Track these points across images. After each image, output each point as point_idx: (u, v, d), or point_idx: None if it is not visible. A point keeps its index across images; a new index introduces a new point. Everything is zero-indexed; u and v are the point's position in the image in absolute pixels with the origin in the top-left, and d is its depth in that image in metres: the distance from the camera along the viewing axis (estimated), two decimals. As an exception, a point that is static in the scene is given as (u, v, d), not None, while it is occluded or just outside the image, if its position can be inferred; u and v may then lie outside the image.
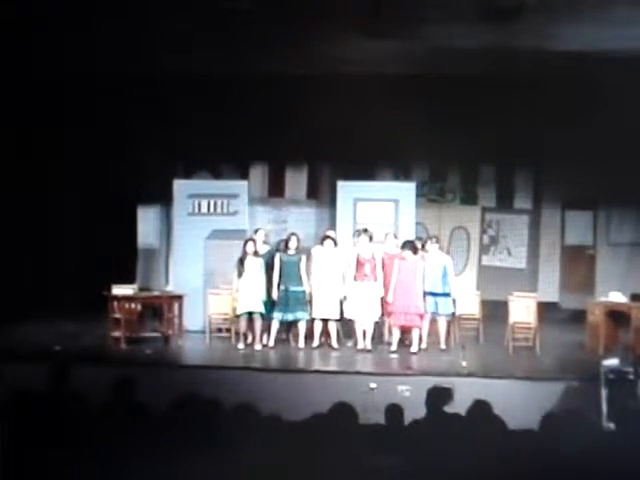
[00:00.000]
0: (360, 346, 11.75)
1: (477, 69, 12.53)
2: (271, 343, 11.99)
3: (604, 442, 5.36)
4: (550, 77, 12.78)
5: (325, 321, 12.01)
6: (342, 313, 11.93)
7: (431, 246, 11.99)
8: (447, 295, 11.83)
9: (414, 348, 11.59)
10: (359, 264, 11.72)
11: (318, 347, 11.96)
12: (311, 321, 12.03)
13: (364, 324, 11.76)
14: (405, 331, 11.84)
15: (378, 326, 12.04)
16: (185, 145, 14.34)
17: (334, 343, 11.98)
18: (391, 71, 12.71)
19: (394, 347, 11.64)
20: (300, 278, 12.01)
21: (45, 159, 13.93)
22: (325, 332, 12.06)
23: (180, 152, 14.50)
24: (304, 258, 12.08)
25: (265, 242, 12.31)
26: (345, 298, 11.92)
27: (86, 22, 10.39)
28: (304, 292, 11.97)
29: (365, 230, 12.01)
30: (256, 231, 12.46)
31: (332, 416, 5.55)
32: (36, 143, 13.79)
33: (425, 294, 11.67)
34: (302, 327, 12.05)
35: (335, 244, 12.11)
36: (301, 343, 12.03)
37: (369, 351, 11.66)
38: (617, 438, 5.82)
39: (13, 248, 13.64)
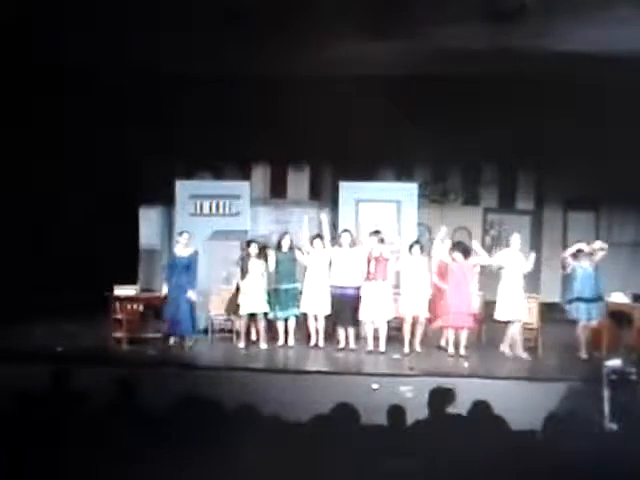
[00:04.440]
0: (369, 347, 11.77)
1: (478, 69, 12.51)
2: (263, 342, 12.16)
3: (606, 443, 5.36)
4: (551, 77, 12.77)
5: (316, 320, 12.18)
6: (353, 313, 11.96)
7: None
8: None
9: (462, 350, 11.61)
10: (368, 263, 11.76)
11: (321, 348, 12.05)
12: (304, 320, 12.19)
13: (375, 324, 11.79)
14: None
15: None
16: (187, 145, 14.34)
17: (320, 342, 12.11)
18: (393, 72, 12.69)
19: (451, 350, 11.63)
20: (294, 276, 12.19)
21: (47, 159, 13.92)
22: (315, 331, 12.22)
23: (182, 152, 14.49)
24: (300, 256, 12.18)
25: (187, 246, 12.18)
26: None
27: (87, 21, 10.39)
28: (296, 289, 12.14)
29: (377, 232, 12.05)
30: (180, 234, 12.31)
31: (334, 417, 5.55)
32: (39, 143, 13.80)
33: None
34: (292, 324, 12.24)
35: (323, 245, 12.18)
36: (291, 341, 12.19)
37: (382, 353, 11.68)
38: (619, 439, 5.82)
39: (15, 249, 13.65)
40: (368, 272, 11.75)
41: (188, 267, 11.96)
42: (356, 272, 11.91)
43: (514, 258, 11.65)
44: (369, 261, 11.74)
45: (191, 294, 11.88)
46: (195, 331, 12.14)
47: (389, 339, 11.90)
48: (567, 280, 11.75)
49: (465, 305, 11.61)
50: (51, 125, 13.83)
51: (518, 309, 11.51)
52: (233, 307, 12.28)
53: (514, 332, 11.55)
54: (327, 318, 12.17)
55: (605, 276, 13.03)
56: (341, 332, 12.02)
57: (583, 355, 11.35)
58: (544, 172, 14.67)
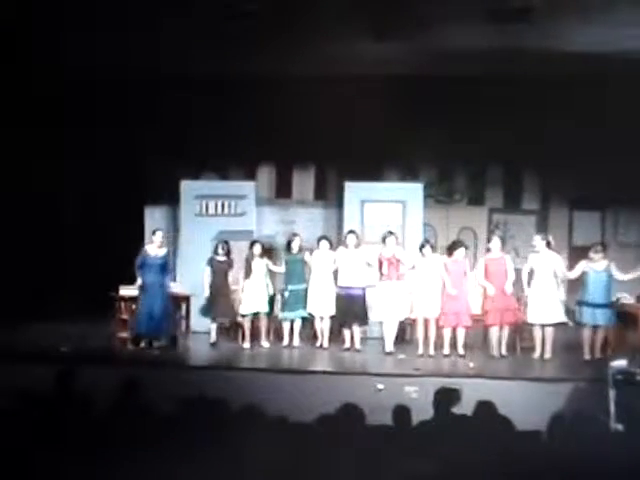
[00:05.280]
0: (388, 349, 11.78)
1: (484, 70, 12.51)
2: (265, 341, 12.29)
3: (612, 443, 5.34)
4: (557, 77, 12.75)
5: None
6: (360, 314, 11.97)
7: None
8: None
9: (461, 350, 11.65)
10: (380, 264, 11.76)
11: (326, 348, 12.06)
12: (312, 321, 12.24)
13: (388, 324, 11.79)
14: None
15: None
16: (192, 146, 14.34)
17: (325, 343, 12.14)
18: (398, 72, 12.68)
19: (447, 351, 11.66)
20: (302, 277, 12.23)
21: (53, 159, 13.94)
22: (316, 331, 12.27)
23: (187, 153, 14.49)
24: (308, 257, 12.22)
25: (161, 246, 12.18)
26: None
27: (89, 21, 10.39)
28: (304, 290, 12.13)
29: (391, 232, 12.06)
30: (154, 232, 12.32)
31: (339, 417, 5.55)
32: (49, 143, 13.82)
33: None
34: (297, 325, 12.31)
35: (331, 245, 12.24)
36: (296, 341, 12.26)
37: (389, 354, 11.70)
38: (625, 439, 5.80)
39: (20, 249, 13.65)
40: (381, 273, 11.75)
41: (163, 267, 11.93)
42: (362, 273, 11.92)
43: (543, 260, 11.62)
44: (381, 262, 11.74)
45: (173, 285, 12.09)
46: (170, 332, 12.10)
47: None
48: (580, 282, 11.69)
49: (464, 305, 11.61)
50: (56, 125, 13.85)
51: (551, 312, 11.48)
52: (229, 311, 12.30)
53: (546, 336, 11.53)
54: (332, 319, 12.19)
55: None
56: (346, 333, 12.02)
57: (586, 356, 11.35)
58: (549, 172, 14.62)
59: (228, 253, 12.37)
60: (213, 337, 12.28)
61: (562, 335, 11.89)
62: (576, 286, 11.91)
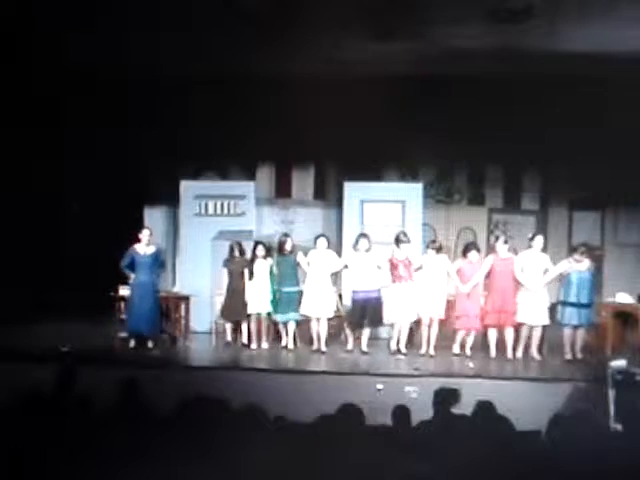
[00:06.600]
0: (394, 348, 11.78)
1: (484, 70, 12.51)
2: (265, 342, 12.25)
3: (611, 443, 5.34)
4: (558, 77, 12.75)
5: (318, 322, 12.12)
6: (376, 316, 11.94)
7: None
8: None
9: (467, 351, 11.69)
10: (393, 266, 11.73)
11: (324, 351, 12.02)
12: (307, 322, 12.16)
13: (401, 326, 11.80)
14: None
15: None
16: (192, 146, 14.34)
17: (322, 346, 12.01)
18: (398, 72, 12.68)
19: (468, 352, 11.69)
20: (295, 278, 12.15)
21: (53, 159, 13.95)
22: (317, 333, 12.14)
23: (187, 153, 14.49)
24: (301, 258, 12.17)
25: (149, 243, 12.13)
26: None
27: (89, 21, 10.40)
28: (297, 293, 12.10)
29: (405, 234, 12.05)
30: (141, 230, 12.28)
31: (340, 417, 5.55)
32: (49, 143, 13.84)
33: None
34: (291, 327, 12.21)
35: (328, 244, 12.19)
36: (290, 344, 12.17)
37: (405, 354, 11.70)
38: (624, 439, 5.81)
39: (20, 249, 13.65)
40: (395, 275, 11.72)
41: (152, 265, 11.90)
42: (375, 275, 11.86)
43: (534, 260, 11.60)
44: (395, 265, 11.70)
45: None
46: (160, 331, 12.11)
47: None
48: (562, 282, 11.66)
49: (477, 307, 11.62)
50: (56, 125, 13.86)
51: (538, 313, 11.48)
52: (237, 311, 12.29)
53: (534, 335, 11.54)
54: (330, 320, 12.17)
55: (610, 277, 13.07)
56: (350, 335, 11.98)
57: (567, 356, 11.36)
58: (549, 172, 14.64)
59: (242, 253, 12.37)
60: (228, 337, 12.34)
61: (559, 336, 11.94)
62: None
